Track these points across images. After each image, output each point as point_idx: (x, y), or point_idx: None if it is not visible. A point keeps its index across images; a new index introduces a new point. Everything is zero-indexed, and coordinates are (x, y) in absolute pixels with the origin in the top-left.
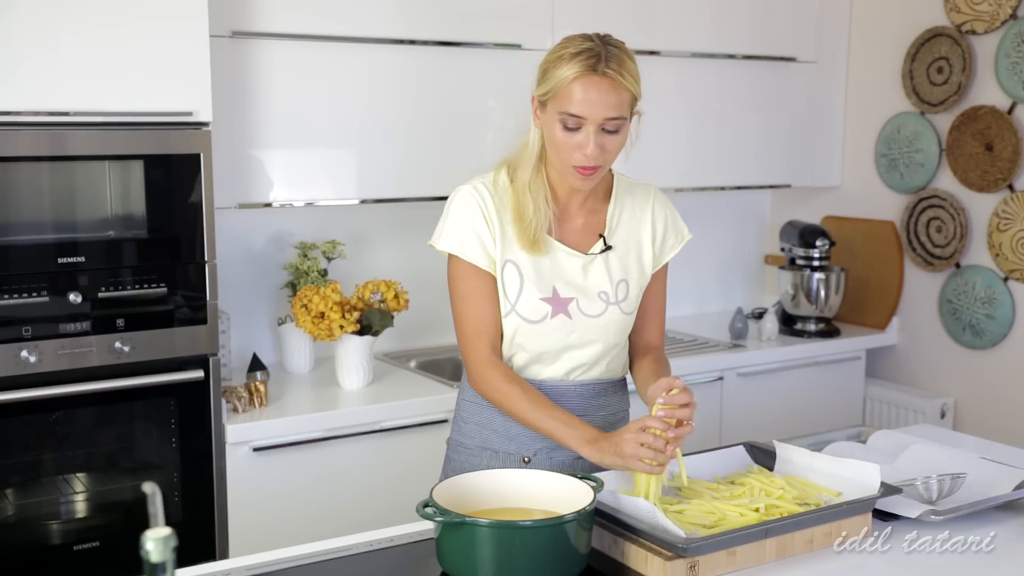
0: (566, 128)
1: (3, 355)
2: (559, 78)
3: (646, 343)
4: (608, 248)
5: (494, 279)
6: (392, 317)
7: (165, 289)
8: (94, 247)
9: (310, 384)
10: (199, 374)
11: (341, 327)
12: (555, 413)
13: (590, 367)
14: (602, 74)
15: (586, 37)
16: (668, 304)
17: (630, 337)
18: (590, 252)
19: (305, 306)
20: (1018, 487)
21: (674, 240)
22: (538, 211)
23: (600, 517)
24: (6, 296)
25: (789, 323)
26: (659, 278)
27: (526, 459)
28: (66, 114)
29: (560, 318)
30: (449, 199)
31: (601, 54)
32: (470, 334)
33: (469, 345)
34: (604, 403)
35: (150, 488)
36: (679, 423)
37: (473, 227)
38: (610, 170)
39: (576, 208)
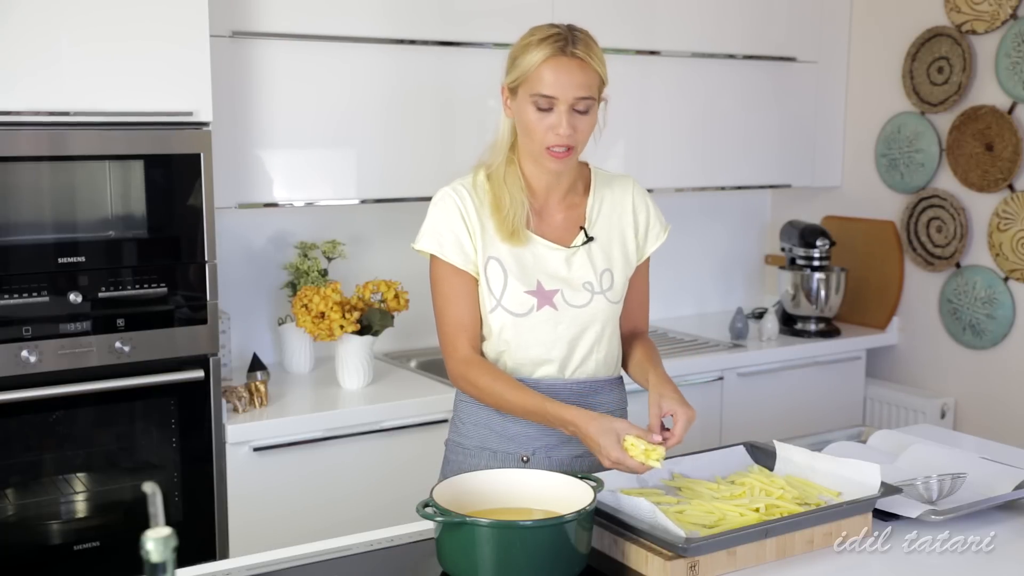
0: (538, 109)
1: (3, 355)
2: (529, 63)
3: (632, 329)
4: (589, 239)
5: (473, 279)
6: (392, 317)
7: (165, 289)
8: (94, 247)
9: (310, 384)
10: (199, 374)
11: (341, 327)
12: (531, 399)
13: (582, 362)
14: (571, 55)
15: (552, 25)
16: (668, 305)
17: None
18: (572, 245)
19: (305, 306)
20: (1018, 487)
21: (658, 229)
22: (514, 201)
23: (600, 517)
24: (6, 296)
25: (789, 323)
26: (642, 270)
27: (524, 458)
28: (66, 114)
29: (546, 310)
30: (431, 203)
31: (568, 38)
32: (449, 333)
33: (448, 344)
34: (601, 401)
35: (150, 488)
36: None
37: (451, 227)
38: (587, 165)
39: (556, 204)
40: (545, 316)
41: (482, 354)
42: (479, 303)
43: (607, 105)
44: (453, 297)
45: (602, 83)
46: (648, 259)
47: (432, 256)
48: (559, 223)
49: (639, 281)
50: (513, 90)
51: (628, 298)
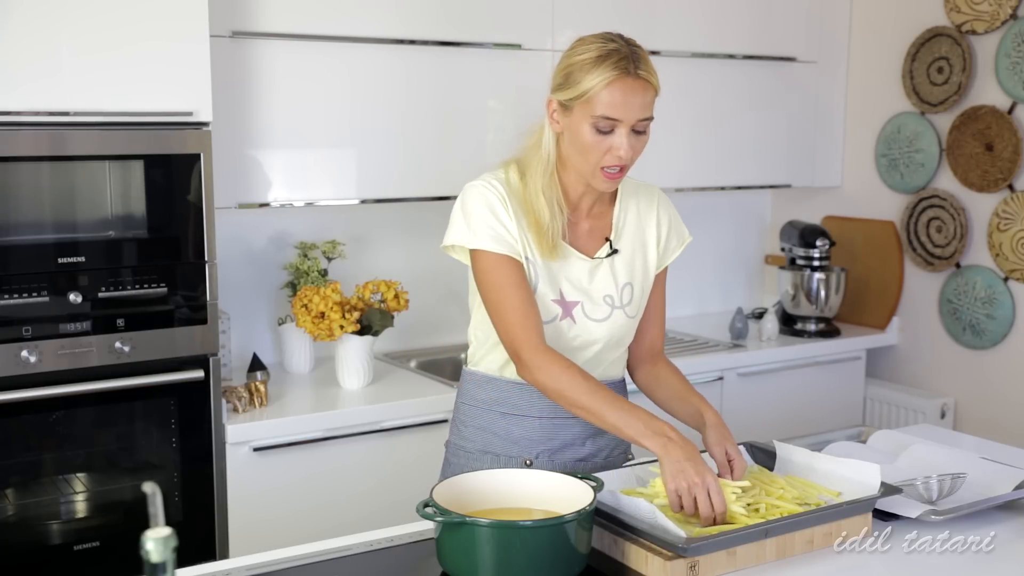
0: (599, 131)
1: (3, 355)
2: (591, 83)
3: (649, 347)
4: (614, 252)
5: (523, 267)
6: (392, 317)
7: (165, 289)
8: (94, 247)
9: (310, 384)
10: (199, 374)
11: (341, 327)
12: (619, 403)
13: (591, 368)
14: (635, 76)
15: (606, 38)
16: (669, 304)
17: (632, 341)
18: (596, 256)
19: (305, 306)
20: (1018, 487)
21: (676, 243)
22: (554, 218)
23: (600, 517)
24: (6, 296)
25: (789, 323)
26: (659, 281)
27: (528, 462)
28: (66, 114)
29: (566, 322)
30: (461, 197)
31: (629, 56)
32: (518, 322)
33: (519, 334)
34: None
35: (150, 488)
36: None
37: (498, 219)
38: None
39: (584, 212)
40: (564, 327)
41: None
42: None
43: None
44: (512, 286)
45: (655, 98)
46: (665, 273)
47: (475, 252)
48: (585, 231)
49: (656, 297)
50: (567, 107)
51: (644, 314)
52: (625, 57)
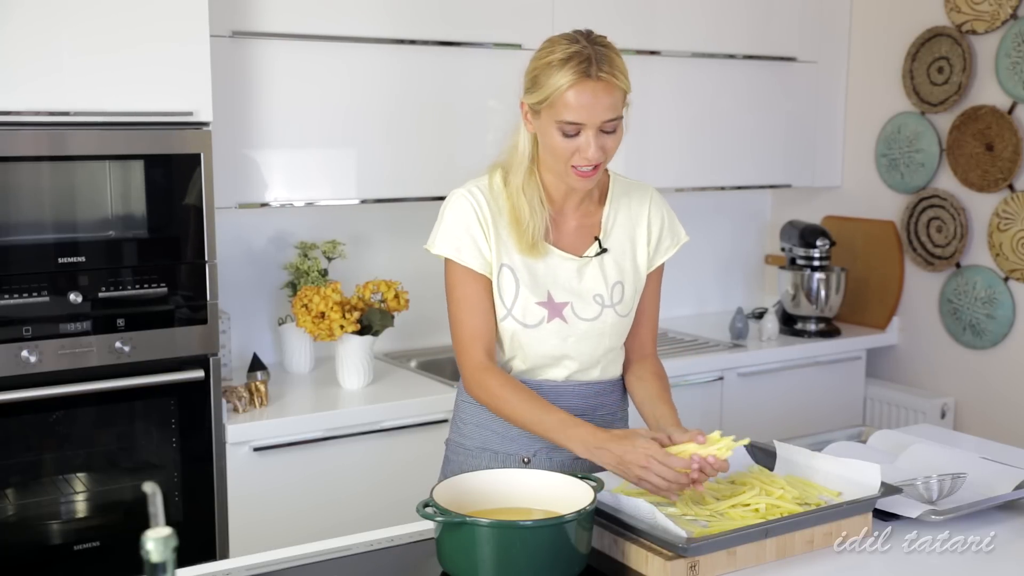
0: (565, 135)
1: (3, 355)
2: (552, 87)
3: (639, 348)
4: (603, 251)
5: (490, 283)
6: (392, 317)
7: (165, 289)
8: (94, 247)
9: (310, 384)
10: (199, 374)
11: (341, 327)
12: (552, 414)
13: (588, 369)
14: (596, 78)
15: (571, 39)
16: (668, 305)
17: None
18: (585, 255)
19: (305, 306)
20: (1018, 487)
21: (669, 242)
22: (534, 214)
23: (600, 517)
24: (6, 296)
25: (789, 323)
26: (654, 280)
27: (526, 459)
28: (66, 114)
29: (556, 322)
30: (444, 204)
31: (591, 57)
32: (466, 340)
33: (464, 351)
34: (602, 403)
35: (150, 488)
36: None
37: (468, 231)
38: (607, 171)
39: (571, 210)
40: (554, 328)
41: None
42: (495, 309)
43: (630, 109)
44: (469, 303)
45: (625, 95)
46: (660, 273)
47: (447, 260)
48: (572, 230)
49: (650, 296)
50: (536, 111)
51: (636, 313)
52: (587, 59)
